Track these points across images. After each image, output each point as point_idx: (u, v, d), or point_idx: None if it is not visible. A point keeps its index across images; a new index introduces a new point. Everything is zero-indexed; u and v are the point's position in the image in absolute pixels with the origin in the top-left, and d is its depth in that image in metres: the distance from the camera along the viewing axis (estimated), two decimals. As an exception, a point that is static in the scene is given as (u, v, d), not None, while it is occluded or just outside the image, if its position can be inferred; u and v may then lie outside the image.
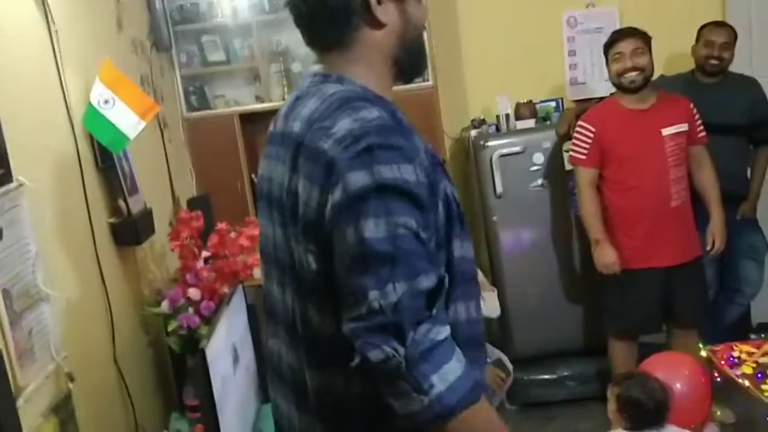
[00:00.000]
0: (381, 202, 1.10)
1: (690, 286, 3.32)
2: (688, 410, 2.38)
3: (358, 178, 1.11)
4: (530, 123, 3.87)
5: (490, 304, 3.38)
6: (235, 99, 4.01)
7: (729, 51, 3.59)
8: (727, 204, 3.65)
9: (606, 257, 3.28)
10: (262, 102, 3.94)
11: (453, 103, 4.12)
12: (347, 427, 1.24)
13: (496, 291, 3.48)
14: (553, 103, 3.98)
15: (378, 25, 1.25)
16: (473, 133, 3.90)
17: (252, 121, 3.88)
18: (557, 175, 3.71)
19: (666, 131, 3.22)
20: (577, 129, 3.35)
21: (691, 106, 3.33)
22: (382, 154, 1.12)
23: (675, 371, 2.45)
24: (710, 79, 3.63)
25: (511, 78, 4.08)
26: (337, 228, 1.13)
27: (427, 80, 3.87)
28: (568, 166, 3.55)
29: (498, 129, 3.92)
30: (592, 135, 3.28)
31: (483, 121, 3.98)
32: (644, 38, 3.25)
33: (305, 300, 1.24)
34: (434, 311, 1.12)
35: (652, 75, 3.28)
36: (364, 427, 1.23)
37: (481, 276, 3.41)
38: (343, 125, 1.15)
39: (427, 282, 1.12)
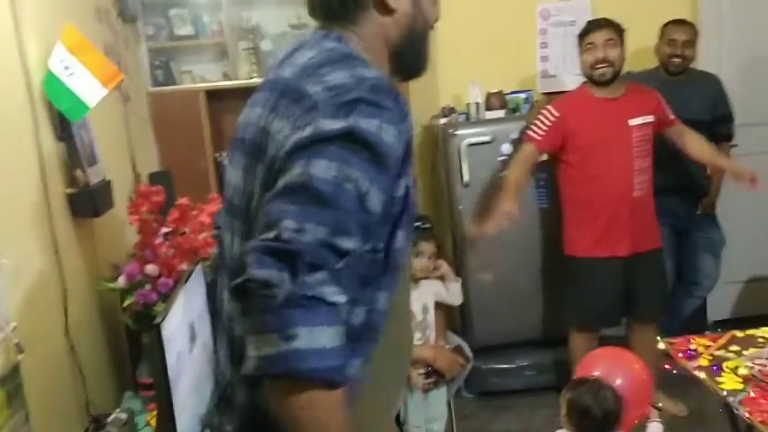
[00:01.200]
0: (342, 149, 1.05)
1: (649, 280, 3.36)
2: (629, 406, 2.40)
3: (330, 124, 1.06)
4: (500, 113, 3.87)
5: (453, 293, 3.39)
6: (202, 75, 3.95)
7: (691, 49, 3.64)
8: (687, 199, 3.71)
9: (507, 205, 3.27)
10: (230, 79, 3.88)
11: (424, 91, 4.09)
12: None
13: (460, 280, 3.49)
14: (524, 95, 3.98)
15: (387, 10, 1.22)
16: (442, 120, 3.89)
17: (218, 98, 3.83)
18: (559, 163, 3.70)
19: (633, 121, 3.25)
20: (542, 112, 3.38)
21: (659, 97, 3.37)
22: (366, 109, 1.07)
23: (616, 367, 2.46)
24: (674, 76, 3.67)
25: (482, 68, 4.07)
26: (289, 163, 1.07)
27: (398, 65, 3.84)
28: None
29: (468, 118, 3.91)
30: (554, 119, 3.31)
31: (453, 110, 3.97)
32: (617, 30, 3.27)
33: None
34: (339, 267, 1.03)
35: (621, 68, 3.30)
36: None
37: (445, 266, 3.42)
38: (338, 76, 1.12)
39: (348, 243, 1.04)
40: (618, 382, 2.28)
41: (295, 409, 1.03)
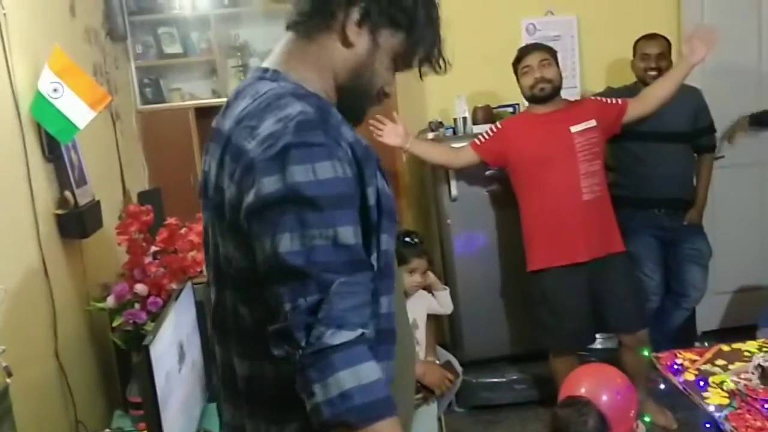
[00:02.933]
0: (294, 214, 1.09)
1: (616, 286, 3.36)
2: (614, 421, 2.42)
3: (270, 183, 1.10)
4: (486, 128, 3.89)
5: (442, 302, 3.40)
6: (191, 93, 3.97)
7: (665, 60, 3.70)
8: (674, 210, 3.74)
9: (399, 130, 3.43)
10: (219, 96, 3.90)
11: (411, 105, 4.12)
12: (276, 413, 1.23)
13: (448, 289, 3.50)
14: (510, 109, 4.02)
15: (346, 41, 1.26)
16: (430, 135, 3.91)
17: (208, 115, 3.82)
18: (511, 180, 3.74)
19: (575, 128, 3.33)
20: (490, 126, 3.55)
21: (597, 98, 3.51)
22: (296, 153, 1.11)
23: (600, 384, 2.48)
24: None
25: (469, 82, 4.09)
26: (253, 234, 1.13)
27: (386, 81, 3.87)
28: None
29: (455, 132, 3.93)
30: (496, 130, 3.47)
31: (440, 124, 3.99)
32: (550, 51, 3.41)
33: (234, 294, 1.25)
34: (345, 308, 1.09)
35: (560, 85, 3.40)
36: (297, 414, 1.20)
37: (431, 276, 3.43)
38: (267, 126, 1.15)
39: (361, 295, 1.11)
40: (604, 398, 2.29)
41: None
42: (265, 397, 1.24)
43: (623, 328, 3.42)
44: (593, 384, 2.40)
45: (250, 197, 1.12)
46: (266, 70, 1.29)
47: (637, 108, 3.44)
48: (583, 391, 2.33)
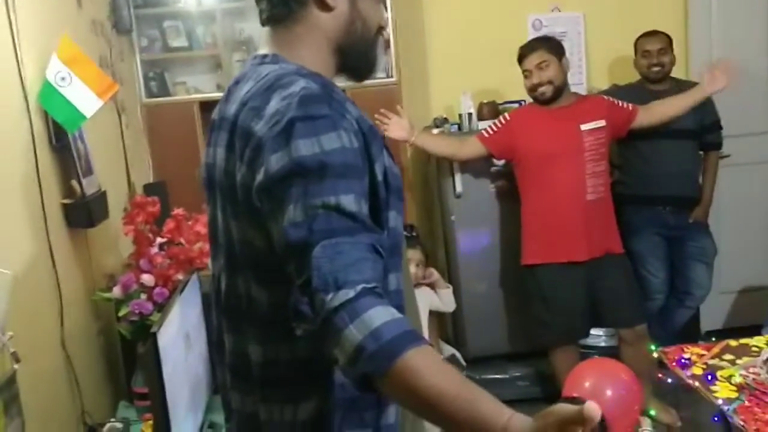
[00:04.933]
0: (299, 186, 1.09)
1: (613, 285, 3.36)
2: (619, 418, 2.41)
3: (277, 160, 1.11)
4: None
5: (445, 300, 3.40)
6: (196, 86, 3.95)
7: (667, 56, 3.71)
8: (679, 207, 3.74)
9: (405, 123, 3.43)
10: (223, 91, 3.86)
11: (416, 101, 4.12)
12: (292, 394, 1.22)
13: (451, 287, 3.50)
14: (516, 105, 4.00)
15: (325, 6, 1.27)
16: (435, 131, 3.90)
17: (212, 109, 3.78)
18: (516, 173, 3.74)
19: (584, 126, 3.31)
20: (498, 118, 3.52)
21: (606, 98, 3.47)
22: (301, 127, 1.11)
23: (603, 380, 2.46)
24: (658, 85, 3.72)
25: (475, 78, 4.10)
26: (266, 213, 1.13)
27: (391, 76, 3.87)
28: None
29: (460, 128, 3.92)
30: (504, 123, 3.44)
31: (445, 120, 3.98)
32: (550, 48, 3.35)
33: (250, 277, 1.24)
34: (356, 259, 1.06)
35: (564, 82, 3.36)
36: (311, 393, 1.22)
37: (436, 273, 3.43)
38: (272, 104, 1.16)
39: (354, 252, 1.07)
40: (608, 394, 2.28)
41: (410, 385, 1.00)
42: (281, 380, 1.23)
43: (622, 323, 3.43)
44: (597, 380, 2.39)
45: (260, 176, 1.13)
46: (265, 55, 1.30)
47: (644, 119, 3.44)
48: (587, 385, 2.32)
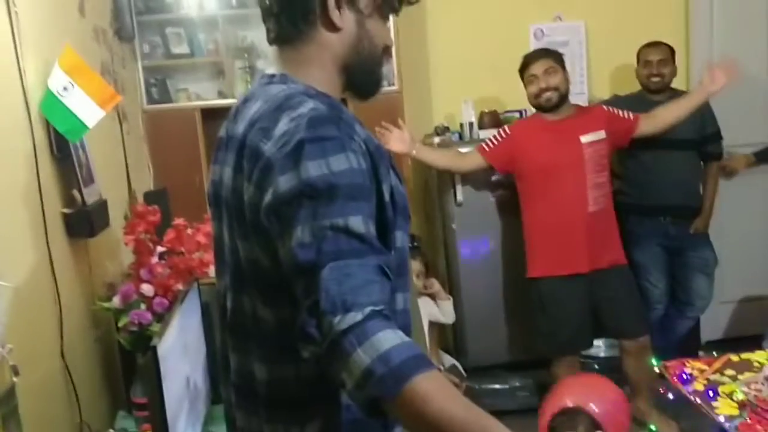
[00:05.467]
0: (307, 207, 1.08)
1: (615, 296, 3.36)
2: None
3: (285, 181, 1.11)
4: (493, 133, 3.88)
5: (445, 312, 3.40)
6: (198, 93, 3.96)
7: (668, 66, 3.71)
8: (680, 218, 3.73)
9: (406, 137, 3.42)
10: (225, 98, 3.89)
11: (418, 110, 4.12)
12: (297, 414, 1.22)
13: (451, 299, 3.50)
14: (517, 114, 4.01)
15: (332, 27, 1.27)
16: (436, 140, 3.91)
17: (214, 116, 3.82)
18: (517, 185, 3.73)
19: (584, 138, 3.32)
20: (498, 130, 3.51)
21: (606, 108, 3.46)
22: (310, 148, 1.11)
23: (588, 395, 2.46)
24: (658, 96, 3.72)
25: (476, 87, 4.10)
26: (274, 233, 1.13)
27: (393, 85, 3.87)
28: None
29: (461, 137, 3.92)
30: (505, 136, 3.44)
31: (447, 129, 3.99)
32: (555, 58, 3.37)
33: (256, 297, 1.23)
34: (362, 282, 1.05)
35: (568, 91, 3.37)
36: (317, 414, 1.21)
37: (437, 285, 3.43)
38: (281, 126, 1.16)
39: (362, 275, 1.06)
40: (592, 408, 2.28)
41: (420, 411, 0.99)
42: (287, 400, 1.22)
43: (624, 334, 3.42)
44: (581, 394, 2.39)
45: (268, 196, 1.13)
46: (273, 75, 1.30)
47: (647, 127, 3.43)
48: (568, 402, 2.33)
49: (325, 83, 1.28)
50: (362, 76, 1.34)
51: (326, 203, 1.08)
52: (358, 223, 1.09)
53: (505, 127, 3.53)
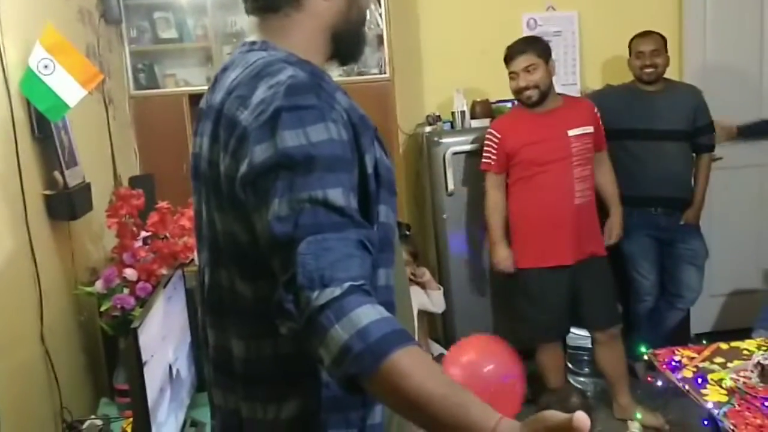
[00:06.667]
0: (284, 179, 1.05)
1: (593, 287, 3.38)
2: (501, 393, 2.57)
3: (261, 151, 1.07)
4: (485, 122, 3.86)
5: (435, 301, 3.38)
6: (186, 79, 3.91)
7: (661, 57, 3.68)
8: (671, 209, 3.72)
9: (499, 255, 3.39)
10: (214, 83, 3.84)
11: (409, 99, 4.09)
12: (275, 392, 1.19)
13: (442, 289, 3.48)
14: (509, 104, 3.97)
15: None
16: (427, 129, 3.88)
17: (202, 102, 3.79)
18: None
19: (572, 132, 3.30)
20: (486, 136, 3.45)
21: (595, 110, 3.44)
22: (287, 117, 1.07)
23: (487, 353, 2.58)
24: (651, 86, 3.70)
25: (468, 76, 4.07)
26: (250, 206, 1.09)
27: (384, 73, 3.84)
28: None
29: (453, 126, 3.90)
30: (497, 141, 3.38)
31: (438, 118, 3.95)
32: (538, 50, 3.31)
33: (233, 272, 1.20)
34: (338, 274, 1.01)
35: (550, 87, 3.33)
36: (295, 391, 1.18)
37: (427, 274, 3.41)
38: (259, 93, 1.12)
39: (341, 249, 1.02)
40: (490, 367, 2.36)
41: (398, 387, 0.96)
42: (264, 377, 1.19)
43: (596, 325, 3.45)
44: (477, 353, 2.50)
45: (243, 167, 1.09)
46: (254, 42, 1.26)
47: (596, 164, 3.42)
48: (466, 359, 2.46)
49: (310, 50, 1.25)
50: (349, 43, 1.32)
51: (304, 175, 1.05)
52: (337, 195, 1.05)
53: (492, 130, 3.43)
